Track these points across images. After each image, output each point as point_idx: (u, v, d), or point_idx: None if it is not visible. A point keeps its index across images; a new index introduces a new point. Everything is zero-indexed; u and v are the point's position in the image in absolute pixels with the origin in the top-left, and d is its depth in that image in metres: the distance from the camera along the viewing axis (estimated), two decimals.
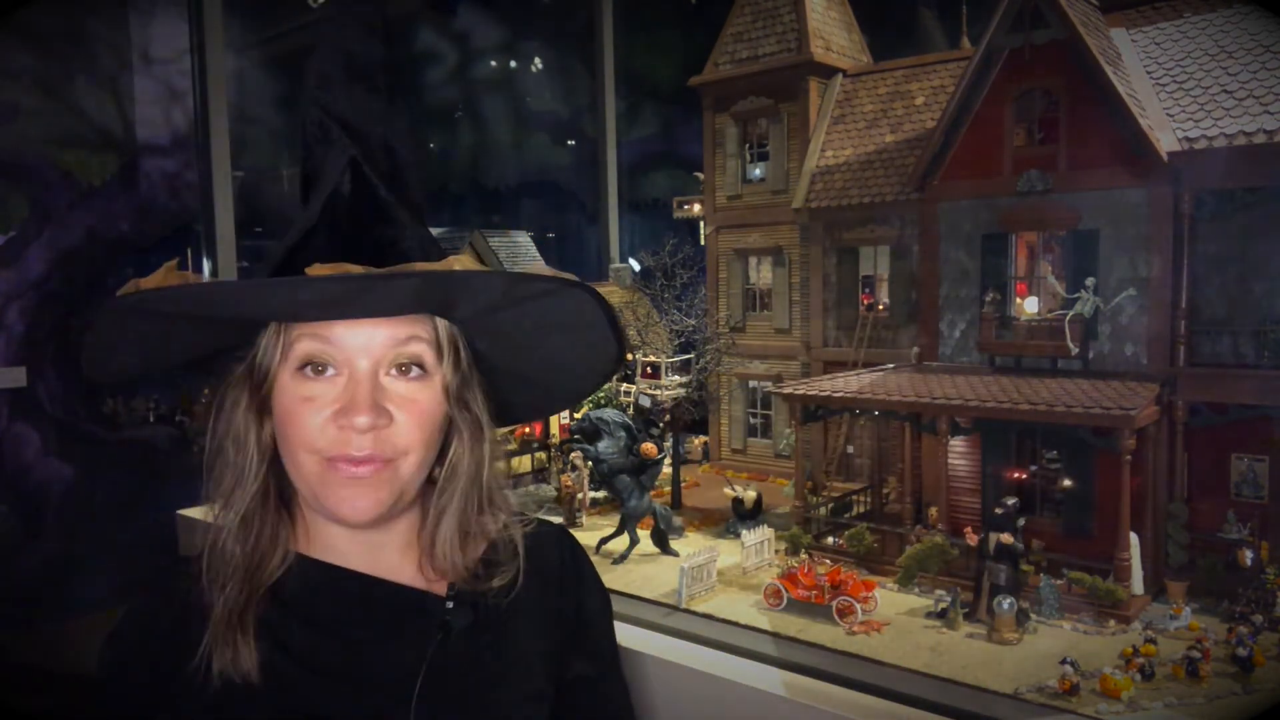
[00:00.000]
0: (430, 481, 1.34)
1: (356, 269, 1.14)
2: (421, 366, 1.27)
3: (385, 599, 1.33)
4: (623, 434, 4.82)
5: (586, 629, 1.51)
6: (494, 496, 1.39)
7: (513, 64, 9.08)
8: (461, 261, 1.22)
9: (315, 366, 1.22)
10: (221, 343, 1.28)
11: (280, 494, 1.31)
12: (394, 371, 1.25)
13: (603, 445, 4.80)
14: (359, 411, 1.20)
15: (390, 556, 1.36)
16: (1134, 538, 3.80)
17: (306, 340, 1.22)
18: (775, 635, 3.62)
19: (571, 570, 1.52)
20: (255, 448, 1.27)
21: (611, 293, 7.11)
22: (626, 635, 3.70)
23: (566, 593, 1.49)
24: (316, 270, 1.13)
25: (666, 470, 5.35)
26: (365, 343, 1.23)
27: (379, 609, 1.32)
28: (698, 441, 6.77)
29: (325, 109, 1.27)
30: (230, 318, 1.23)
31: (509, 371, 1.41)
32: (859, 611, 3.69)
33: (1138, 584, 3.80)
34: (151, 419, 6.70)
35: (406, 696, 1.26)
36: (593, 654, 1.52)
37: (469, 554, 1.37)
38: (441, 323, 1.29)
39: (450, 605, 1.34)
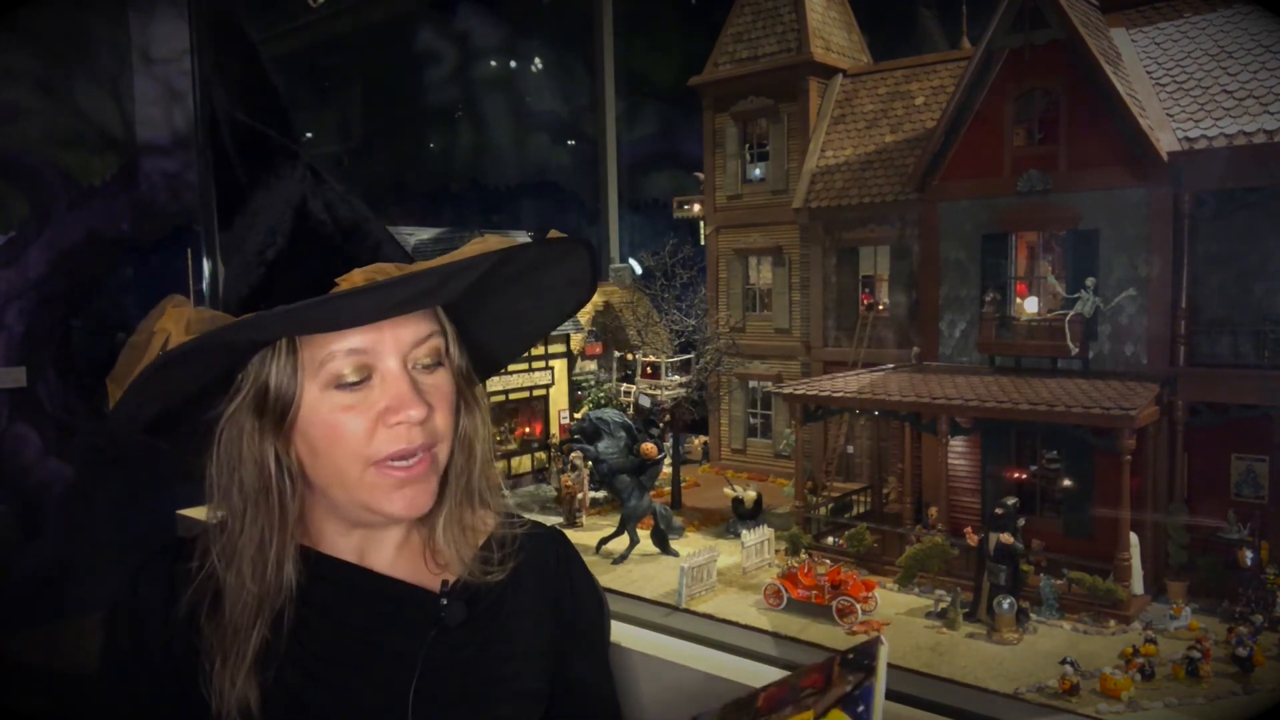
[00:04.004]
0: None
1: (399, 269, 1.16)
2: (438, 357, 1.29)
3: (382, 593, 1.34)
4: (623, 434, 4.82)
5: (583, 630, 1.52)
6: (489, 491, 1.41)
7: (513, 64, 9.07)
8: (486, 240, 1.25)
9: (359, 377, 1.22)
10: (211, 375, 1.25)
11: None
12: (419, 366, 1.27)
13: (603, 445, 4.80)
14: (411, 406, 1.22)
15: (386, 553, 1.37)
16: (1134, 538, 3.80)
17: (341, 359, 1.21)
18: (775, 635, 3.62)
19: (565, 572, 1.53)
20: (285, 475, 1.24)
21: (611, 293, 7.12)
22: (626, 635, 3.70)
23: (562, 593, 1.50)
24: (379, 271, 1.14)
25: (666, 470, 5.35)
26: (394, 343, 1.24)
27: (376, 603, 1.33)
28: (698, 441, 6.77)
29: (254, 118, 1.27)
30: (267, 340, 1.21)
31: (474, 340, 1.44)
32: (859, 611, 3.69)
33: (1138, 584, 3.80)
34: None
35: (404, 690, 1.26)
36: (588, 655, 1.53)
37: (469, 543, 1.38)
38: (441, 310, 1.31)
39: (444, 601, 1.34)
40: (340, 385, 1.22)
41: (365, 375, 1.23)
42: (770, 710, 1.11)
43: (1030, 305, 4.43)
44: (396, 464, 1.24)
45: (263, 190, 1.25)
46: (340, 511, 1.29)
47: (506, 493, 1.49)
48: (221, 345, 1.17)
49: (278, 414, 1.22)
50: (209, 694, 1.18)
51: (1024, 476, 4.34)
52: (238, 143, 1.27)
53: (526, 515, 1.54)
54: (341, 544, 1.34)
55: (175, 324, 1.16)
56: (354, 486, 1.24)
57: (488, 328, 1.43)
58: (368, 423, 1.22)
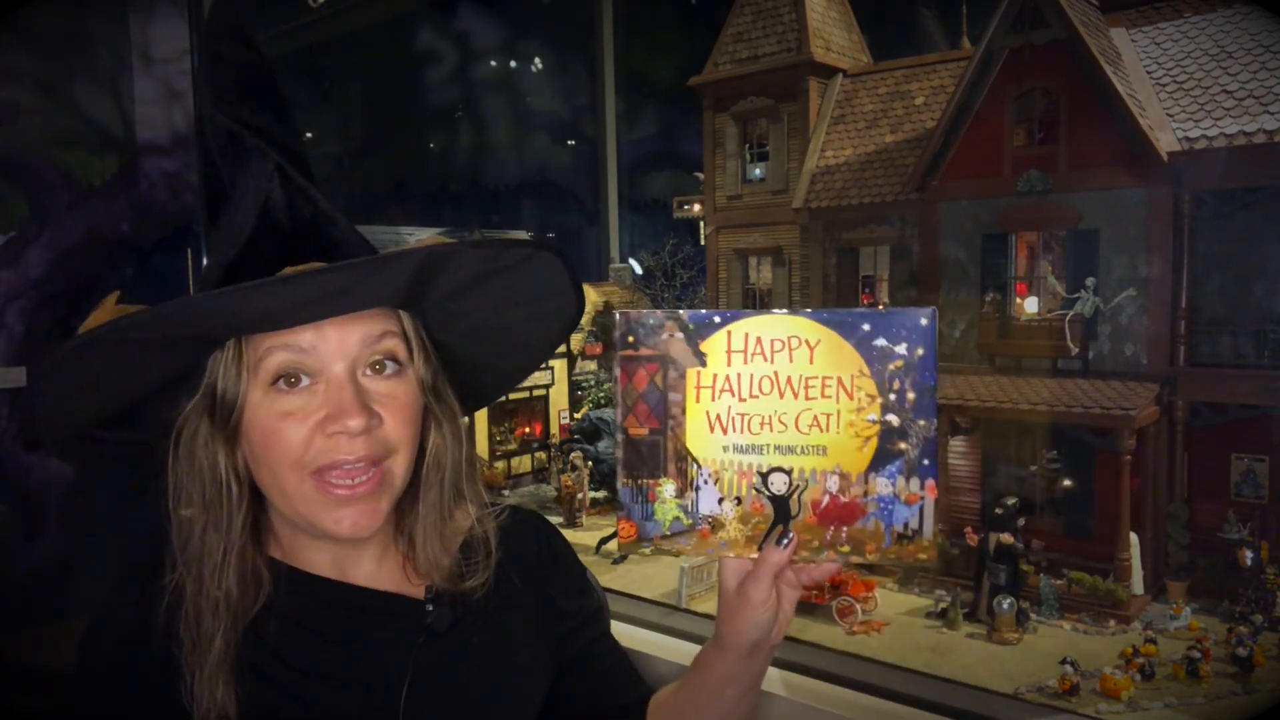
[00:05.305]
0: None
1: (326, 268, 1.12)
2: (396, 361, 1.24)
3: (364, 606, 1.30)
4: None
5: (576, 609, 1.51)
6: (466, 489, 1.37)
7: (513, 64, 9.08)
8: (434, 240, 1.21)
9: (289, 379, 1.18)
10: (173, 372, 1.23)
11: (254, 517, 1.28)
12: (370, 371, 1.22)
13: (603, 445, 4.80)
14: (350, 415, 1.16)
15: (366, 566, 1.33)
16: (1134, 538, 3.80)
17: (278, 353, 1.17)
18: None
19: (549, 553, 1.51)
20: (233, 478, 1.21)
21: (611, 293, 7.12)
22: (626, 635, 3.69)
23: (548, 577, 1.48)
24: (306, 267, 1.11)
25: None
26: (339, 345, 1.19)
27: (359, 615, 1.30)
28: None
29: (235, 119, 1.23)
30: (201, 335, 1.18)
31: (464, 359, 1.39)
32: (859, 611, 3.69)
33: (1138, 584, 3.80)
34: None
35: (394, 700, 1.24)
36: (587, 627, 1.51)
37: (448, 551, 1.35)
38: (405, 315, 1.27)
39: (430, 608, 1.32)
40: (278, 387, 1.18)
41: (307, 378, 1.18)
42: None
43: (1030, 305, 4.43)
44: (340, 482, 1.19)
45: (238, 191, 1.22)
46: (289, 519, 1.26)
47: (506, 492, 1.47)
48: (151, 341, 1.14)
49: (225, 416, 1.19)
50: (189, 703, 1.16)
51: (1024, 476, 4.33)
52: (216, 143, 1.24)
53: None
54: (316, 559, 1.31)
55: (98, 321, 1.13)
56: (294, 497, 1.19)
57: (472, 345, 1.38)
58: (306, 431, 1.17)
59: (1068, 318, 4.16)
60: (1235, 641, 3.23)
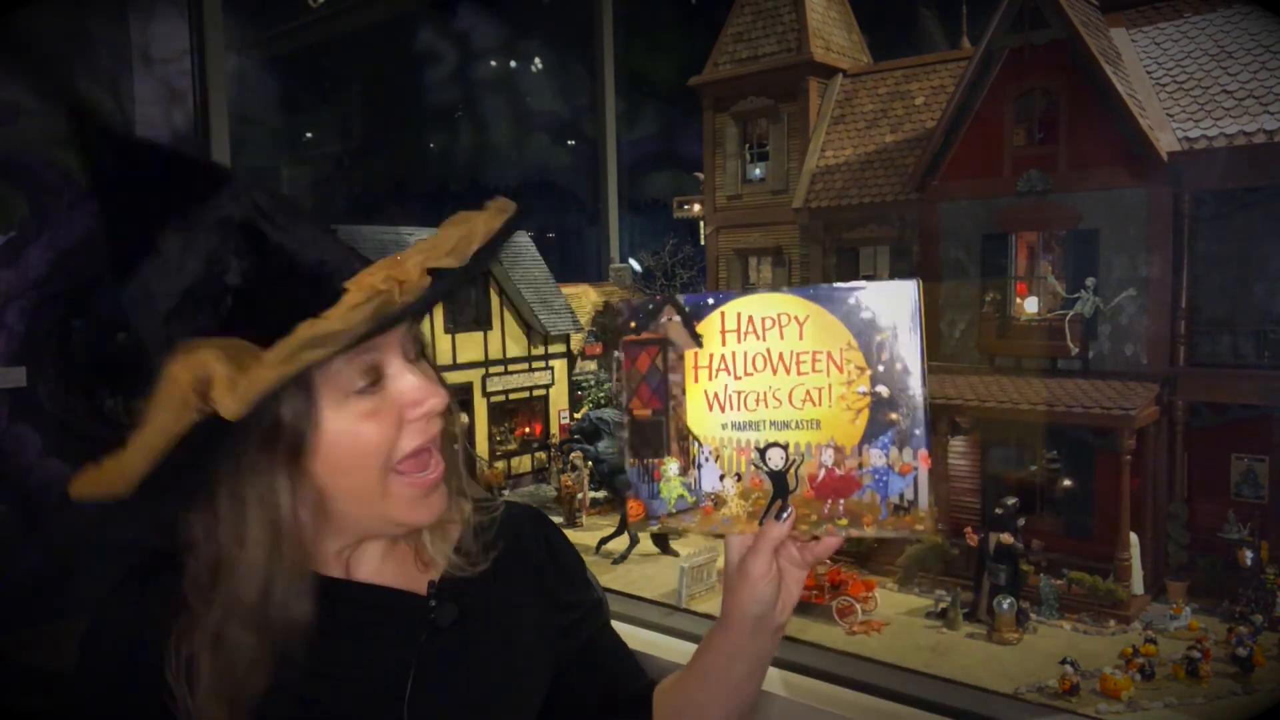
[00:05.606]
0: None
1: (416, 264, 1.13)
2: (424, 345, 1.27)
3: (368, 603, 1.30)
4: None
5: (576, 601, 1.51)
6: (464, 481, 1.38)
7: (513, 64, 9.08)
8: (469, 219, 1.21)
9: (370, 382, 1.18)
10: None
11: None
12: (413, 356, 1.24)
13: (603, 445, 4.81)
14: (432, 395, 1.17)
15: (372, 561, 1.33)
16: (1134, 538, 3.80)
17: (349, 363, 1.17)
18: None
19: (546, 548, 1.51)
20: (297, 511, 1.18)
21: (611, 293, 7.13)
22: (626, 635, 3.69)
23: (547, 573, 1.48)
24: (396, 266, 1.11)
25: None
26: (397, 339, 1.21)
27: (363, 614, 1.30)
28: None
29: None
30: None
31: None
32: (859, 611, 3.70)
33: (1138, 584, 3.80)
34: None
35: (398, 700, 1.24)
36: (588, 621, 1.51)
37: (450, 543, 1.36)
38: None
39: (433, 603, 1.32)
40: (357, 393, 1.18)
41: (376, 377, 1.20)
42: None
43: (1030, 305, 4.43)
44: (417, 473, 1.20)
45: (193, 214, 1.17)
46: (352, 528, 1.25)
47: (506, 492, 1.46)
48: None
49: (292, 444, 1.17)
50: (190, 711, 1.15)
51: (1024, 476, 4.34)
52: (152, 167, 1.20)
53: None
54: (332, 561, 1.31)
55: (220, 364, 1.06)
56: (374, 499, 1.19)
57: None
58: (390, 426, 1.17)
59: (1068, 318, 4.16)
60: (1235, 641, 3.23)
